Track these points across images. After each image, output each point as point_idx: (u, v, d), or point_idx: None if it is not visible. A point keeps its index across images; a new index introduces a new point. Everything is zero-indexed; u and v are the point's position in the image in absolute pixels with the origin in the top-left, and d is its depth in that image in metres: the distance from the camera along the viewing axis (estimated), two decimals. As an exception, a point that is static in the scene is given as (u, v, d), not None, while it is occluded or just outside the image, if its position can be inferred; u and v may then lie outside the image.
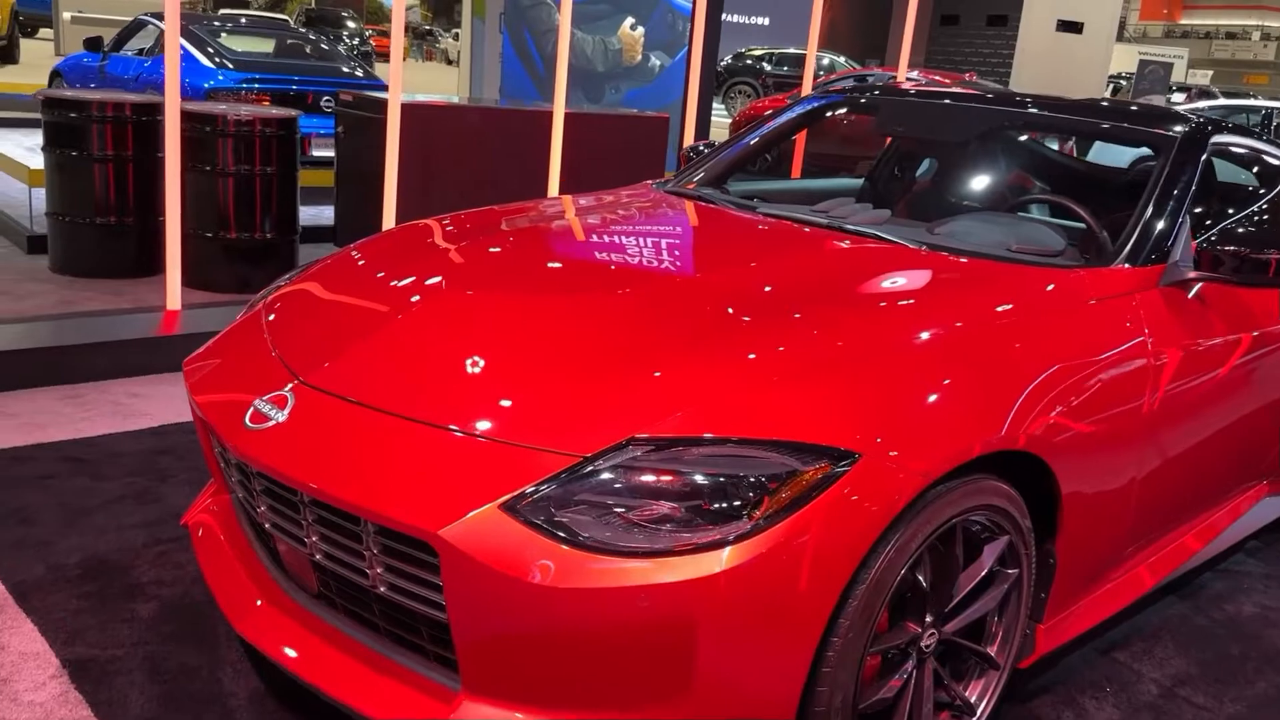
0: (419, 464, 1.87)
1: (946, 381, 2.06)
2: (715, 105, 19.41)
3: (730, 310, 2.25)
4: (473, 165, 5.99)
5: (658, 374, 1.99)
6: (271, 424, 2.03)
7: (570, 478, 1.80)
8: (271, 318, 2.49)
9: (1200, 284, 2.80)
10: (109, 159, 5.44)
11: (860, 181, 4.34)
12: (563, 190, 6.02)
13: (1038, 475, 2.23)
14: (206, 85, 8.19)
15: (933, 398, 2.02)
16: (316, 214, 6.77)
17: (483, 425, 1.90)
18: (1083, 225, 3.15)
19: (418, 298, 2.43)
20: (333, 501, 1.88)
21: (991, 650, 2.32)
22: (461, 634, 1.81)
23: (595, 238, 2.94)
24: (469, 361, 2.08)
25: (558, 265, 2.69)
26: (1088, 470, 2.35)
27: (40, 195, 5.71)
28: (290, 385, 2.12)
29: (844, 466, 1.83)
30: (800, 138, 7.12)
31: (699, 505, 1.78)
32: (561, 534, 1.75)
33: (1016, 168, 4.16)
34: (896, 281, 2.51)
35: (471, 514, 1.76)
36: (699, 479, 1.80)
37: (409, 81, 12.01)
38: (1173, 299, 2.71)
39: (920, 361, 2.09)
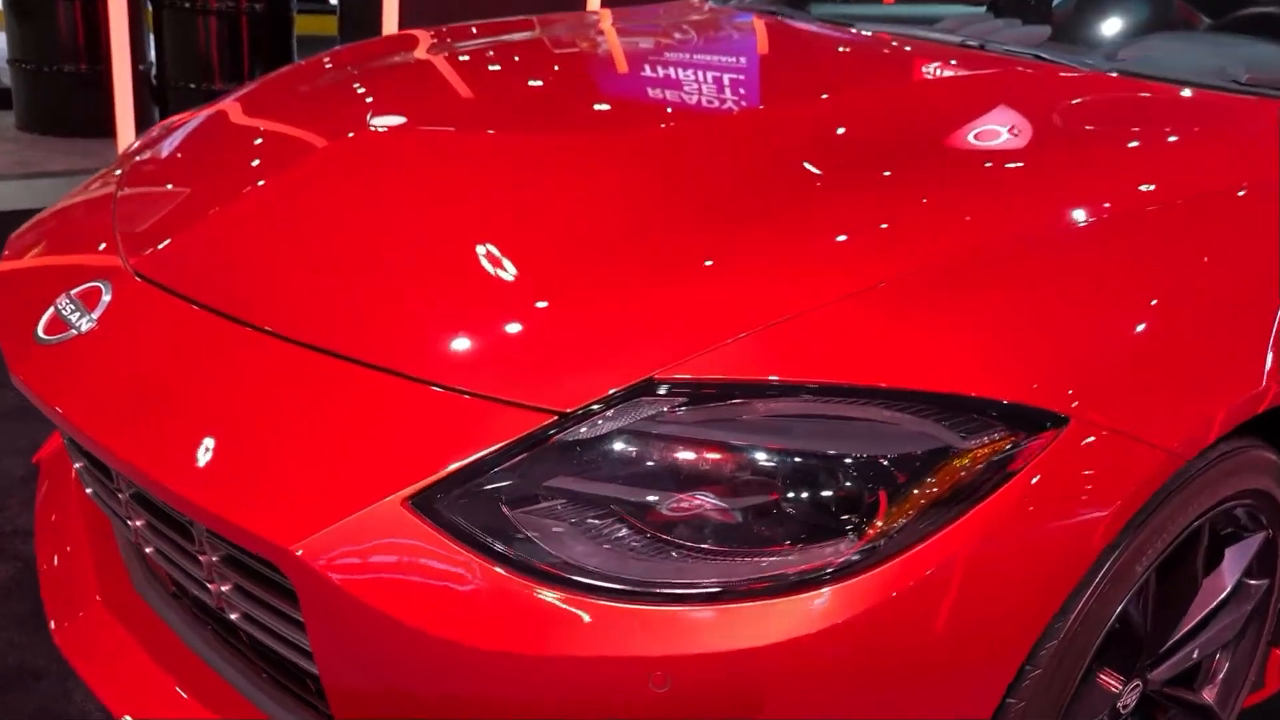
0: (283, 419, 1.07)
1: (1181, 301, 1.19)
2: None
3: (818, 171, 1.38)
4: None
5: (709, 263, 1.16)
6: (69, 336, 1.25)
7: (533, 451, 0.99)
8: (134, 171, 1.69)
9: None
10: (73, -7, 4.62)
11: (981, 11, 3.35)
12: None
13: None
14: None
15: (1164, 322, 1.16)
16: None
17: (399, 355, 1.09)
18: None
19: (349, 139, 1.60)
20: (139, 480, 1.11)
21: (1209, 698, 1.50)
22: (338, 694, 1.06)
23: (621, 65, 2.04)
24: (399, 246, 1.27)
25: (559, 99, 1.81)
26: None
27: (2, 40, 4.94)
28: (110, 274, 1.33)
29: (1037, 439, 1.01)
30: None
31: (768, 505, 0.98)
32: (508, 552, 0.96)
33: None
34: (1084, 126, 1.61)
35: (351, 516, 0.97)
36: (768, 458, 0.99)
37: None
38: None
39: (1138, 260, 1.22)
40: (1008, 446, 1.00)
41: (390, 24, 4.38)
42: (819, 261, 1.15)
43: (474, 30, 2.27)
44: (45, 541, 1.58)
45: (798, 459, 0.99)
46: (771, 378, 1.02)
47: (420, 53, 2.13)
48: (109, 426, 1.12)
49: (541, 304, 1.12)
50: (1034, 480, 1.00)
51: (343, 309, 1.16)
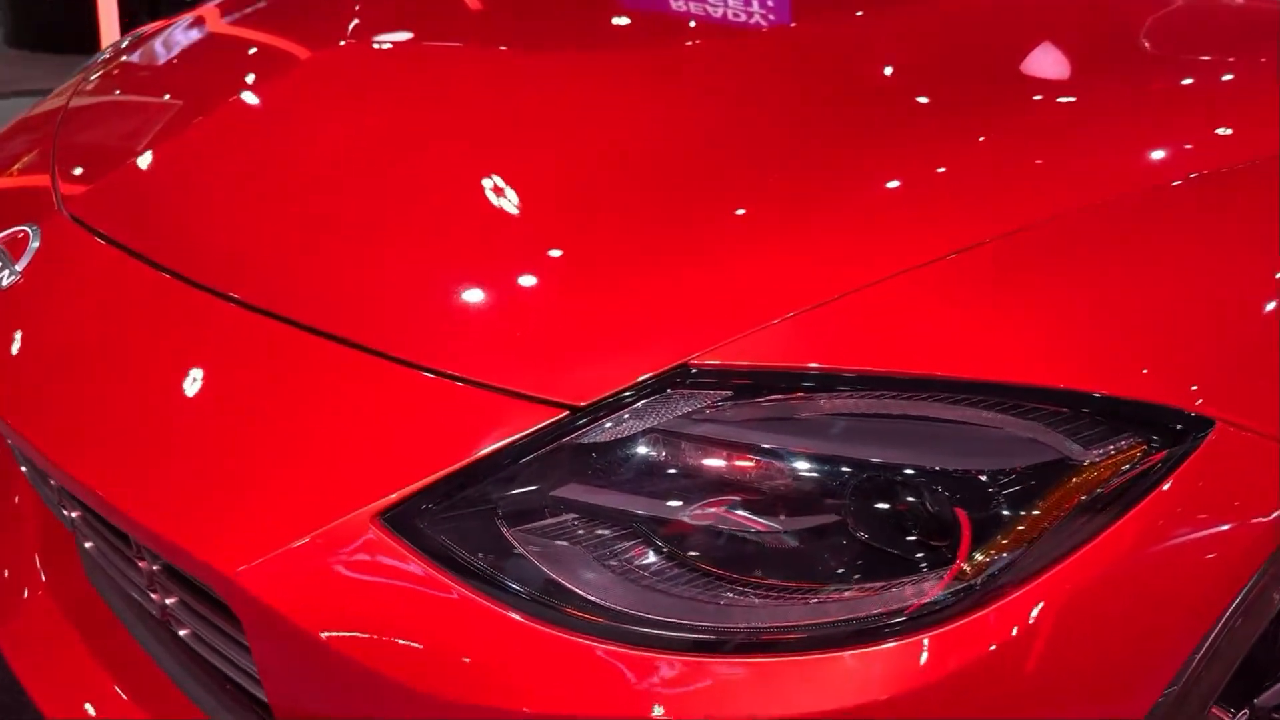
0: (233, 407, 0.86)
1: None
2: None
3: (877, 110, 1.13)
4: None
5: (742, 211, 0.94)
6: (-11, 291, 1.04)
7: (539, 454, 0.79)
8: (87, 90, 1.46)
9: None
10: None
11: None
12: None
13: None
14: None
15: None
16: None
17: (374, 329, 0.87)
18: None
19: (333, 59, 1.37)
20: (54, 474, 0.91)
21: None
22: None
23: None
24: (382, 194, 1.05)
25: (579, 12, 1.56)
26: None
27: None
28: (40, 216, 1.11)
29: (1180, 448, 0.80)
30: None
31: (831, 530, 0.77)
32: (503, 580, 0.77)
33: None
34: (1197, 52, 1.35)
35: (310, 535, 0.77)
36: (832, 469, 0.78)
37: None
38: None
39: (1252, 225, 0.99)
40: (1139, 457, 0.79)
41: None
42: (887, 224, 0.92)
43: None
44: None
45: (871, 471, 0.78)
46: (837, 368, 0.80)
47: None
48: (20, 408, 0.92)
49: (550, 271, 0.90)
50: (1172, 502, 0.79)
51: (310, 269, 0.95)
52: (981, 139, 1.04)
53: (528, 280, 0.90)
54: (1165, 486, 0.79)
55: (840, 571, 0.78)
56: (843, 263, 0.87)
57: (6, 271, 1.04)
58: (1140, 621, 0.80)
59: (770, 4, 1.55)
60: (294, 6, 1.68)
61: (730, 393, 0.80)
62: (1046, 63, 1.24)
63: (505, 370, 0.82)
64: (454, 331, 0.87)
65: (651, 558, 0.78)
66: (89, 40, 4.40)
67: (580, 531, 0.79)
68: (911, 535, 0.78)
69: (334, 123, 1.19)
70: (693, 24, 1.44)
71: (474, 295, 0.89)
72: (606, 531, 0.79)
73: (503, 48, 1.40)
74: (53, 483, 1.05)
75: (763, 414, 0.80)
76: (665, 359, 0.81)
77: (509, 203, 0.98)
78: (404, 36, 1.46)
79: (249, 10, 1.69)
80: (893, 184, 0.97)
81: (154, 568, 0.93)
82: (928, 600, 0.76)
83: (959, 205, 0.94)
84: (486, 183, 1.01)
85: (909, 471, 0.78)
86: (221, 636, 0.90)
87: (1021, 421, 0.79)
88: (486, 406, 0.81)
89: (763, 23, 1.47)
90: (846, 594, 0.77)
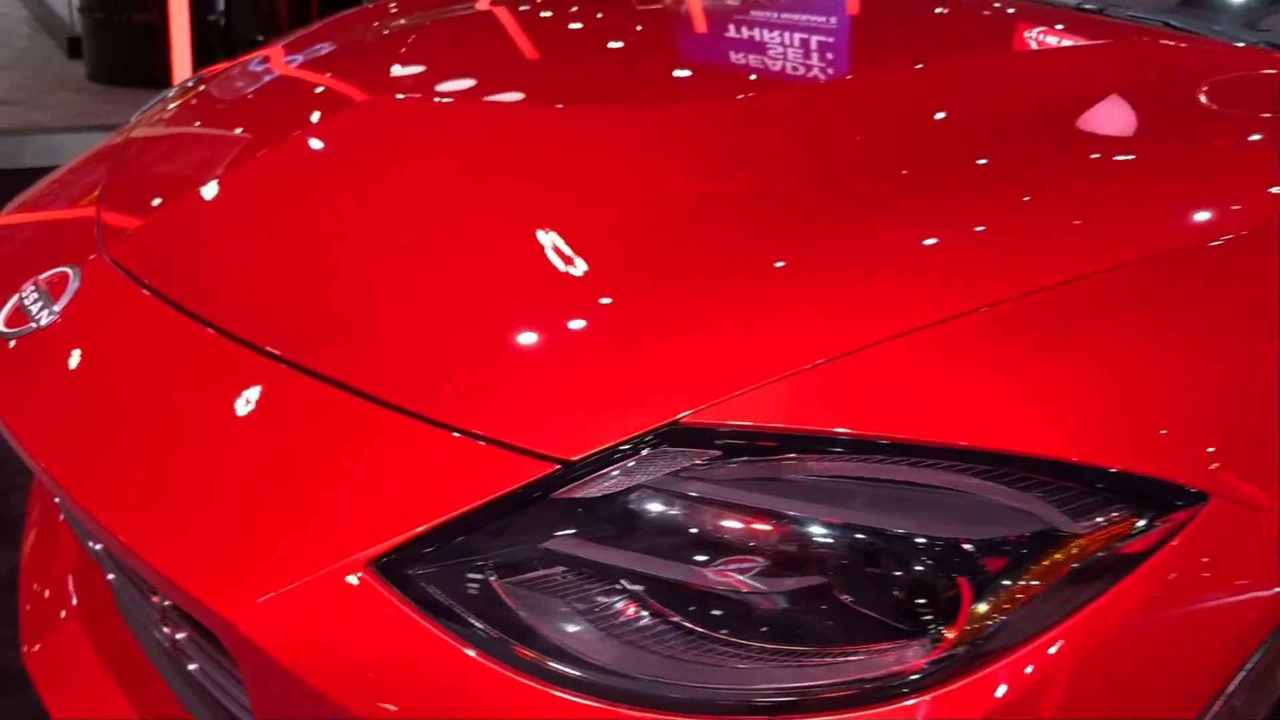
0: (244, 452, 0.89)
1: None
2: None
3: (896, 167, 1.14)
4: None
5: (741, 270, 0.95)
6: (28, 330, 1.09)
7: (531, 508, 0.80)
8: (141, 134, 1.53)
9: None
10: (143, -61, 4.54)
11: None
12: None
13: None
14: None
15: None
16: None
17: (374, 377, 0.90)
18: None
19: (373, 112, 1.42)
20: (74, 510, 0.95)
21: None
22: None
23: (663, 29, 1.80)
24: (397, 245, 1.08)
25: (602, 66, 1.57)
26: None
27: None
28: (81, 258, 1.17)
29: (1172, 521, 0.79)
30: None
31: (815, 593, 0.78)
32: (490, 633, 0.78)
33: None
34: (1214, 116, 1.34)
35: (305, 579, 0.79)
36: (820, 532, 0.79)
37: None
38: None
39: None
40: (1129, 530, 0.79)
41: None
42: (887, 287, 0.93)
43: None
44: (33, 542, 1.45)
45: (858, 535, 0.78)
46: (828, 430, 0.81)
47: (480, 4, 1.93)
48: (49, 446, 0.97)
49: (547, 327, 0.92)
50: (1161, 575, 0.78)
51: (319, 318, 0.98)
52: (1003, 201, 1.04)
53: (525, 336, 0.92)
54: (1157, 560, 0.78)
55: (826, 635, 0.78)
56: (839, 324, 0.88)
57: (46, 311, 1.09)
58: (1131, 696, 0.79)
59: (814, 60, 1.57)
60: (354, 52, 1.74)
61: (720, 452, 0.81)
62: (1068, 129, 1.24)
63: (500, 423, 0.84)
64: (452, 383, 0.89)
65: (638, 615, 0.79)
66: (163, 76, 4.58)
67: (569, 585, 0.80)
68: (897, 601, 0.78)
69: (373, 177, 1.23)
70: (751, 76, 1.46)
71: (473, 349, 0.92)
72: (594, 586, 0.80)
73: (552, 103, 1.43)
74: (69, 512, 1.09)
75: (752, 474, 0.81)
76: (657, 416, 0.82)
77: (509, 261, 1.01)
78: (455, 87, 1.50)
79: (308, 54, 1.75)
80: (896, 248, 0.98)
81: (165, 603, 0.97)
82: (912, 667, 0.76)
83: (960, 270, 0.95)
84: (492, 241, 1.04)
85: (896, 536, 0.78)
86: (224, 673, 0.93)
87: (1011, 490, 0.79)
88: (480, 458, 0.83)
89: (802, 81, 1.48)
90: (831, 659, 0.77)
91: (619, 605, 0.79)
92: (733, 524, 0.80)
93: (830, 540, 0.79)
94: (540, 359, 0.90)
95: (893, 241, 0.98)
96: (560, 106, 1.42)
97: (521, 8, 1.88)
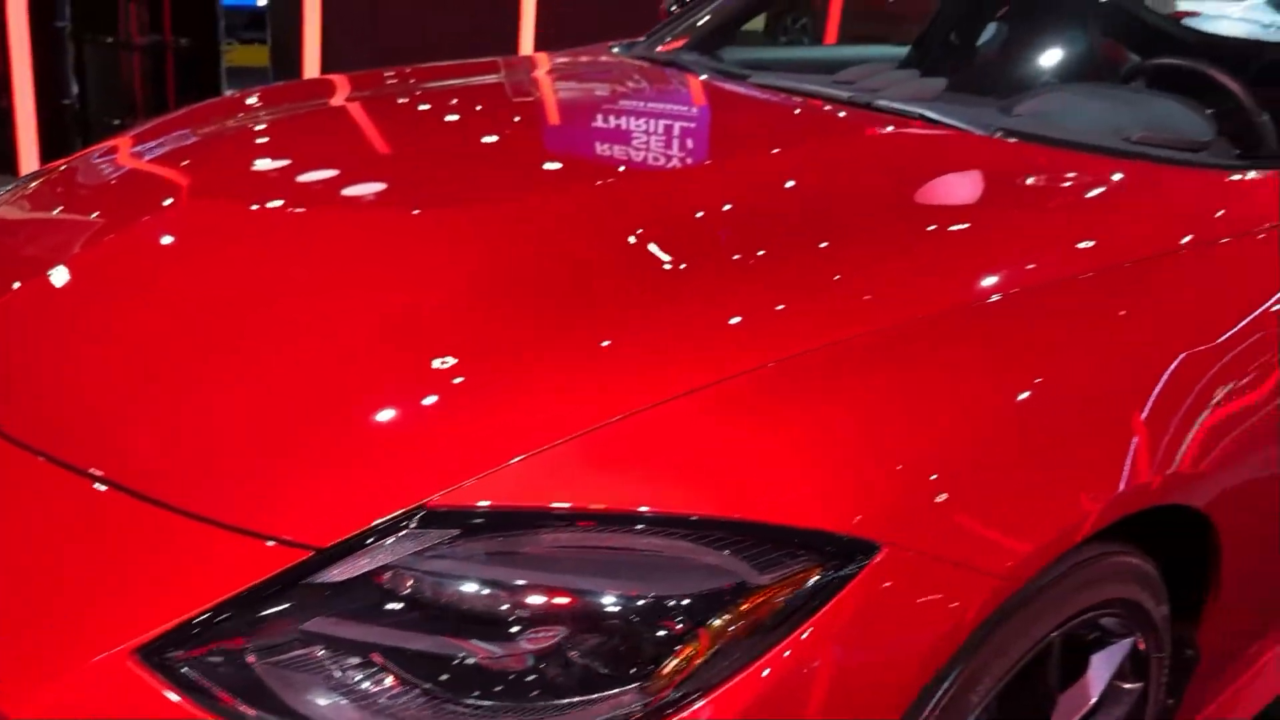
0: (12, 552, 0.96)
1: (1030, 388, 1.12)
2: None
3: (645, 248, 1.29)
4: (426, 24, 4.90)
5: (502, 365, 1.07)
6: None
7: (287, 592, 0.89)
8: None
9: None
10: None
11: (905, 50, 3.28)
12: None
13: (1179, 530, 1.30)
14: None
15: (1007, 429, 1.08)
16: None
17: (134, 470, 0.98)
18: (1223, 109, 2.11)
19: (193, 213, 1.50)
20: None
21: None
22: None
23: (465, 126, 1.91)
24: (161, 337, 1.17)
25: (405, 167, 1.69)
26: (1266, 509, 1.40)
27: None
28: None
29: (847, 570, 0.92)
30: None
31: (546, 653, 0.88)
32: (252, 713, 0.86)
33: (1109, 34, 3.07)
34: (948, 196, 1.53)
35: (70, 672, 0.86)
36: (548, 598, 0.90)
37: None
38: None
39: (983, 351, 1.15)
40: (811, 581, 0.91)
41: (311, 57, 4.27)
42: (633, 364, 1.06)
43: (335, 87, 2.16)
44: None
45: (584, 599, 0.89)
46: (556, 504, 0.92)
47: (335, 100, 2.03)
48: None
49: (301, 417, 1.02)
50: (841, 618, 0.91)
51: (88, 415, 1.06)
52: (728, 288, 1.19)
53: (283, 427, 1.02)
54: (833, 605, 0.91)
55: (558, 689, 0.88)
56: (570, 406, 1.00)
57: None
58: (820, 726, 0.91)
59: (589, 157, 1.70)
60: (184, 151, 1.80)
61: (461, 532, 0.91)
62: (812, 217, 1.40)
63: (256, 513, 0.93)
64: (212, 476, 0.98)
65: (390, 686, 0.88)
66: (9, 162, 4.52)
67: (326, 664, 0.89)
68: (618, 654, 0.89)
69: (181, 275, 1.31)
70: (515, 179, 1.58)
71: (235, 441, 1.00)
72: (350, 662, 0.89)
73: (367, 201, 1.52)
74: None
75: (492, 549, 0.92)
76: (406, 499, 0.92)
77: (263, 351, 1.10)
78: (284, 182, 1.59)
79: (153, 147, 1.80)
80: (640, 330, 1.11)
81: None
82: (630, 714, 0.87)
83: (696, 349, 1.08)
84: (271, 336, 1.13)
85: (615, 598, 0.90)
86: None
87: (712, 550, 0.91)
88: (239, 548, 0.91)
89: (576, 178, 1.60)
90: (559, 713, 0.88)
91: (373, 678, 0.88)
92: (475, 596, 0.90)
93: (559, 605, 0.89)
94: (297, 449, 0.99)
95: (637, 323, 1.11)
96: (366, 202, 1.52)
97: (373, 102, 1.99)
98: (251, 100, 2.06)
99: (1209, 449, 1.23)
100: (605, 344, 1.10)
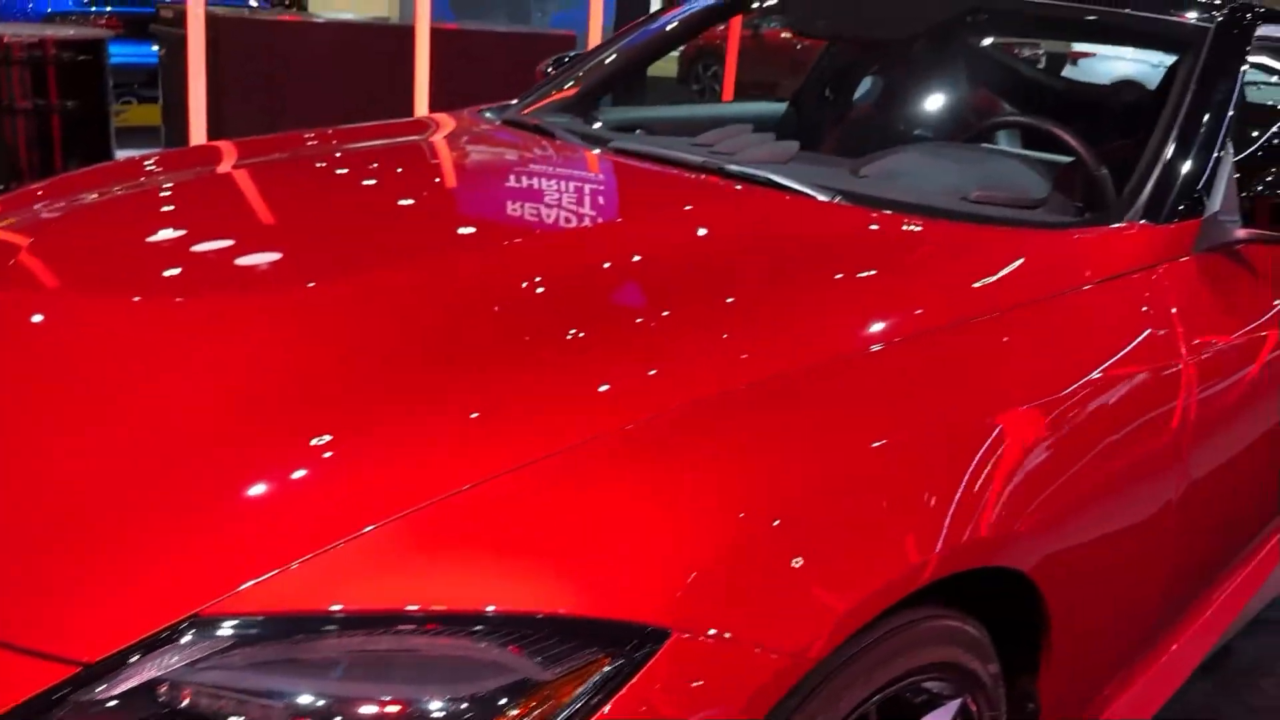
0: None
1: (840, 457, 1.13)
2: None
3: (458, 326, 1.29)
4: (314, 94, 4.92)
5: (287, 463, 1.05)
6: None
7: (52, 711, 0.86)
8: None
9: (1246, 246, 1.87)
10: None
11: (784, 107, 3.35)
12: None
13: (1007, 587, 1.32)
14: (48, 9, 7.03)
15: (818, 494, 1.10)
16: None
17: None
18: (1066, 162, 2.19)
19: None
20: None
21: None
22: None
23: (313, 198, 1.89)
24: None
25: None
26: (1093, 571, 1.43)
27: None
28: None
29: (633, 660, 0.91)
30: (730, 51, 5.97)
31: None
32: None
33: (982, 87, 3.17)
34: (769, 265, 1.54)
35: None
36: (325, 705, 0.87)
37: (333, 3, 10.36)
38: (1214, 271, 1.78)
39: (790, 422, 1.17)
40: (600, 673, 0.91)
41: (196, 119, 4.20)
42: (442, 449, 1.05)
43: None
44: None
45: (353, 708, 0.88)
46: (333, 607, 0.91)
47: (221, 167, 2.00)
48: None
49: (73, 526, 0.99)
50: (631, 708, 0.90)
51: None
52: (590, 358, 1.19)
53: (56, 538, 0.99)
54: (623, 695, 0.90)
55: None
56: (360, 499, 0.98)
57: None
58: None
59: (397, 232, 1.67)
60: (36, 225, 1.75)
61: (234, 640, 0.89)
62: (647, 279, 1.41)
63: (23, 628, 0.90)
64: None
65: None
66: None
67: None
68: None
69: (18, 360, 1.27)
70: (324, 261, 1.54)
71: (6, 553, 0.97)
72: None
73: (206, 284, 1.48)
74: None
75: (265, 657, 0.89)
76: (177, 610, 0.90)
77: (33, 456, 1.08)
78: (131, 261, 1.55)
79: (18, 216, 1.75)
80: (454, 416, 1.10)
81: None
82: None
83: (501, 433, 1.08)
84: (69, 435, 1.10)
85: (394, 700, 0.88)
86: None
87: (491, 647, 0.90)
88: (11, 664, 0.88)
89: (405, 255, 1.55)
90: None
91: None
92: (248, 705, 0.88)
93: (331, 710, 0.87)
94: (75, 559, 0.96)
95: (453, 408, 1.11)
96: (186, 281, 1.47)
97: (252, 173, 1.96)
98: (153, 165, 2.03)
99: (1025, 510, 1.26)
100: (402, 434, 1.08)
